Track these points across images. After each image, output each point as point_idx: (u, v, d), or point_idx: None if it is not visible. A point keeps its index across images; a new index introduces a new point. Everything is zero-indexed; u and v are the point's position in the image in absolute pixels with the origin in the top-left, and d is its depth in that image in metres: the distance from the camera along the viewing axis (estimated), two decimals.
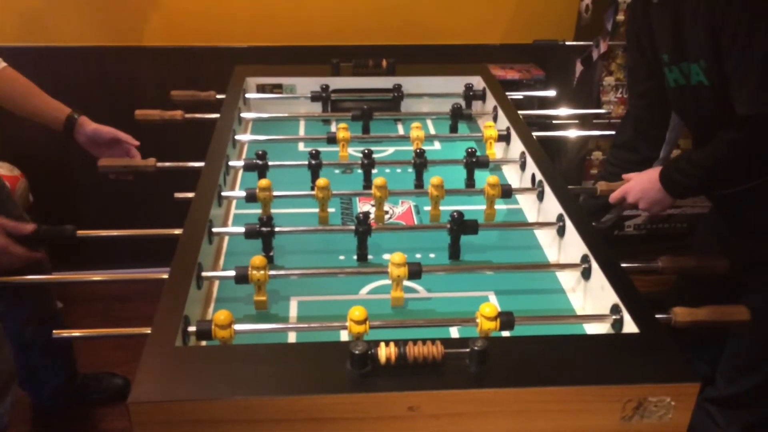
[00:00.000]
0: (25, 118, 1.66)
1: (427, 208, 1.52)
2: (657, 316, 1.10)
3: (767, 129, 1.35)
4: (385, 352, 0.93)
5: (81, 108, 1.81)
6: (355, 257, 1.38)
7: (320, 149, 1.62)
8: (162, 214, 1.49)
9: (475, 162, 1.60)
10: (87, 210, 2.49)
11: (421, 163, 1.59)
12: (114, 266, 2.34)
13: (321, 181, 1.44)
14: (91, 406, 2.06)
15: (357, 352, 0.92)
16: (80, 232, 1.41)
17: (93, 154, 1.67)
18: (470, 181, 1.61)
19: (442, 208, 1.49)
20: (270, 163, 1.57)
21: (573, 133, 2.18)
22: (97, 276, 1.30)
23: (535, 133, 1.96)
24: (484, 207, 1.50)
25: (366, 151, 1.58)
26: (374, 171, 1.64)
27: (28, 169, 2.36)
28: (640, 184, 1.52)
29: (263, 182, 1.44)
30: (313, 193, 1.46)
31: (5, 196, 1.74)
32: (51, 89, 1.75)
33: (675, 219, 2.60)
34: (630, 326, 1.08)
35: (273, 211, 1.46)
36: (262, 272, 1.18)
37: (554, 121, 2.21)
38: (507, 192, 1.49)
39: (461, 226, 1.35)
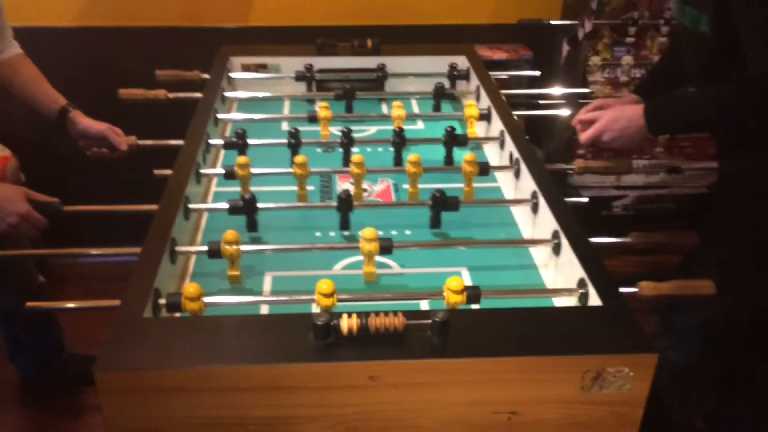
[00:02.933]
0: (27, 105, 1.71)
1: (406, 186, 1.53)
2: (622, 290, 1.11)
3: None
4: (347, 323, 0.95)
5: (68, 88, 1.83)
6: (332, 233, 1.40)
7: (302, 128, 1.64)
8: (155, 194, 1.50)
9: (453, 140, 1.61)
10: (78, 189, 2.47)
11: (400, 142, 1.60)
12: (108, 247, 2.37)
13: (299, 158, 1.46)
14: (78, 383, 2.10)
15: (319, 323, 0.94)
16: (67, 208, 1.44)
17: (82, 147, 1.73)
18: (449, 159, 1.62)
19: (421, 186, 1.50)
20: (249, 141, 1.59)
21: (559, 113, 2.18)
22: (77, 250, 1.32)
23: (521, 113, 1.97)
24: (462, 185, 1.51)
25: (345, 130, 1.59)
26: (355, 150, 1.66)
27: (19, 149, 2.37)
28: (619, 122, 1.50)
29: (241, 159, 1.45)
30: (291, 170, 1.47)
31: None
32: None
33: (664, 199, 2.60)
34: (595, 300, 1.10)
35: (252, 188, 1.47)
36: (234, 247, 1.20)
37: (540, 101, 2.22)
38: (484, 169, 1.50)
39: (443, 204, 1.37)
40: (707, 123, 1.48)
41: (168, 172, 1.41)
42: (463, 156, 1.49)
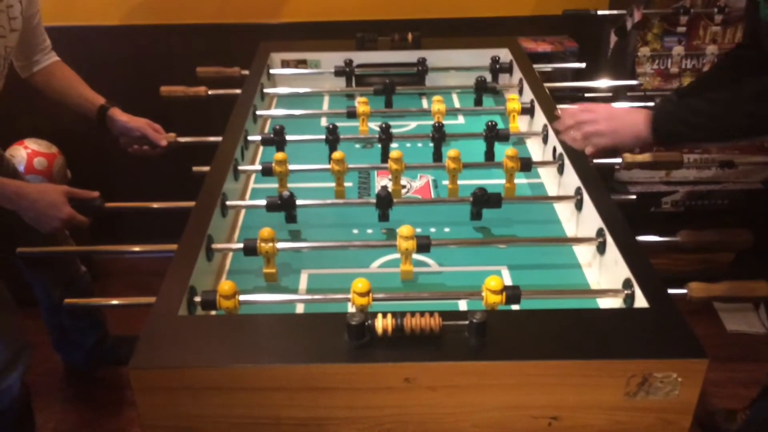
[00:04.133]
0: (67, 108, 1.73)
1: (446, 182, 1.50)
2: (670, 291, 1.07)
3: None
4: (381, 324, 0.93)
5: (113, 85, 1.85)
6: (370, 231, 1.38)
7: (341, 124, 1.62)
8: (199, 189, 1.50)
9: (495, 135, 1.57)
10: (124, 185, 2.53)
11: (439, 137, 1.57)
12: (154, 242, 2.40)
13: (337, 155, 1.44)
14: (122, 369, 2.12)
15: (354, 323, 0.92)
16: (108, 204, 1.45)
17: (122, 144, 1.75)
18: (490, 155, 1.58)
19: (462, 182, 1.47)
20: (287, 137, 1.58)
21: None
22: (114, 248, 1.33)
23: (566, 106, 1.91)
24: (503, 181, 1.47)
25: (383, 126, 1.57)
26: (395, 145, 1.64)
27: (66, 146, 2.42)
28: (618, 119, 1.27)
29: (279, 155, 1.45)
30: (329, 166, 1.45)
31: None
32: (84, 68, 1.80)
33: (715, 195, 2.50)
34: (641, 301, 1.05)
35: (291, 185, 1.46)
36: (270, 244, 1.19)
37: (587, 94, 2.16)
38: (526, 165, 1.46)
39: (485, 201, 1.34)
40: (732, 125, 1.20)
41: (206, 168, 1.41)
42: (504, 151, 1.46)
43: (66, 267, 1.86)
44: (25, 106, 1.65)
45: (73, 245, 1.81)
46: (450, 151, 1.44)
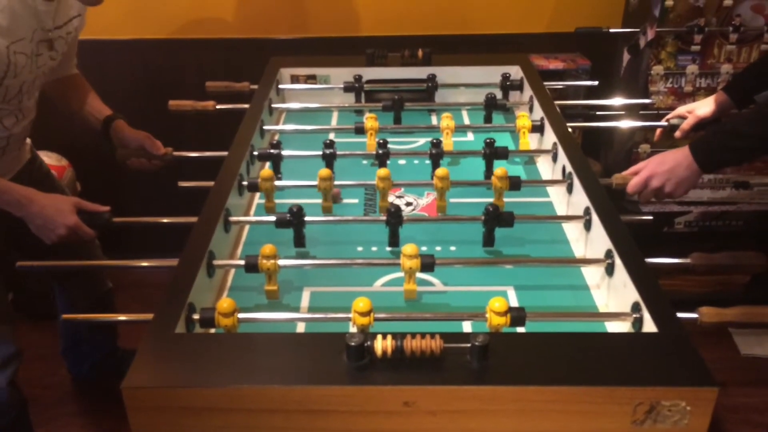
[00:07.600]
0: (75, 120, 1.74)
1: (453, 199, 1.48)
2: (680, 315, 1.04)
3: None
4: (381, 345, 0.91)
5: (124, 100, 1.84)
6: (374, 248, 1.36)
7: (350, 139, 1.61)
8: None
9: (493, 153, 1.55)
10: (134, 198, 2.54)
11: (436, 153, 1.54)
12: (164, 255, 2.39)
13: (323, 172, 1.42)
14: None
15: (353, 344, 0.90)
16: (116, 219, 1.44)
17: (119, 157, 1.73)
18: (488, 173, 1.55)
19: (467, 200, 1.47)
20: (284, 152, 1.56)
21: (618, 124, 2.09)
22: (124, 262, 1.32)
23: (578, 124, 1.90)
24: (512, 199, 1.45)
25: (381, 142, 1.55)
26: (402, 162, 1.62)
27: (76, 159, 2.43)
28: (665, 165, 1.41)
29: (265, 172, 1.43)
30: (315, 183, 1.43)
31: (50, 184, 1.80)
32: (95, 81, 1.81)
33: (730, 216, 2.46)
34: (650, 325, 1.03)
35: (289, 201, 1.44)
36: (272, 261, 1.18)
37: (599, 112, 2.13)
38: (515, 184, 1.43)
39: (496, 219, 1.32)
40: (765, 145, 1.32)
41: (210, 183, 1.40)
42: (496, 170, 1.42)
43: (96, 282, 1.87)
44: (35, 119, 1.66)
45: (104, 258, 1.80)
46: (438, 170, 1.41)
